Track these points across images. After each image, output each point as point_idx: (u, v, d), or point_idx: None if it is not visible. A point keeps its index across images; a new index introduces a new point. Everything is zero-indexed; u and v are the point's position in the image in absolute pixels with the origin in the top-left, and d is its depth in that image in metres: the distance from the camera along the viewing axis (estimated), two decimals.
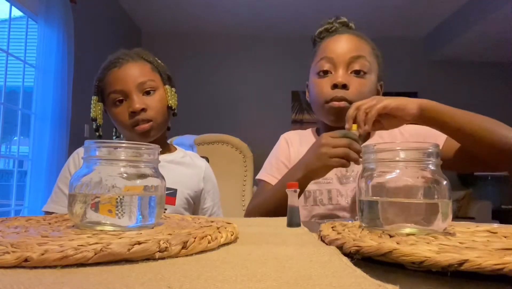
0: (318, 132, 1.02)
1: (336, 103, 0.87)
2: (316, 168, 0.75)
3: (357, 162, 0.73)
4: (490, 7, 3.50)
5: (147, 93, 0.92)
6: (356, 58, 0.88)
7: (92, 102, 0.95)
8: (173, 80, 1.01)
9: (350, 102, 0.84)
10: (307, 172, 0.76)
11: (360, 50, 0.89)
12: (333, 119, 0.90)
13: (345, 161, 0.73)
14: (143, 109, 0.89)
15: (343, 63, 0.88)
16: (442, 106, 0.75)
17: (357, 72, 0.88)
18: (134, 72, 0.92)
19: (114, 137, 1.05)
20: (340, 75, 0.87)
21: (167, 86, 0.97)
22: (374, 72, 0.92)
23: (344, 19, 0.98)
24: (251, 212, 0.89)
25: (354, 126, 0.75)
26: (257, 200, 0.91)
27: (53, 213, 0.86)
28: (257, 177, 1.01)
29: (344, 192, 0.89)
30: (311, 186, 0.87)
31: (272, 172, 0.97)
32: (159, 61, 1.01)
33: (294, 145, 1.00)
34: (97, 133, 0.99)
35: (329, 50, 0.90)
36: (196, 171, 1.01)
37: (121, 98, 0.91)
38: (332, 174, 0.89)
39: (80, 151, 0.97)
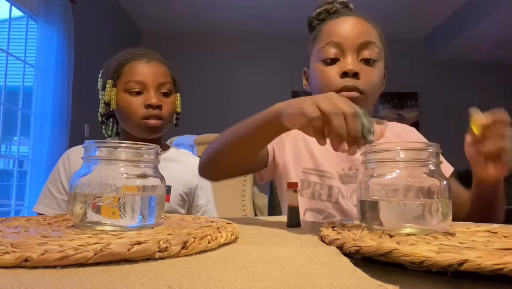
0: None
1: (346, 94, 0.78)
2: (287, 114, 0.54)
3: (350, 152, 0.47)
4: (490, 7, 3.50)
5: (164, 94, 0.96)
6: (366, 45, 0.80)
7: (106, 86, 0.95)
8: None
9: (361, 93, 0.78)
10: (283, 108, 0.56)
11: (369, 35, 0.82)
12: None
13: (321, 132, 0.49)
14: (159, 106, 0.93)
15: (351, 49, 0.80)
16: None
17: (366, 61, 0.81)
18: (158, 71, 0.96)
19: (107, 132, 1.04)
20: (350, 62, 0.79)
21: (178, 94, 1.02)
22: (382, 59, 0.85)
23: None
24: (208, 148, 0.75)
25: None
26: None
27: (42, 214, 0.86)
28: None
29: (345, 192, 0.82)
30: (312, 178, 0.84)
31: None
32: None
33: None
34: (106, 122, 1.01)
35: (335, 34, 0.81)
36: (189, 168, 1.01)
37: (138, 90, 0.93)
38: (334, 171, 0.84)
39: (70, 153, 0.98)
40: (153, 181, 0.44)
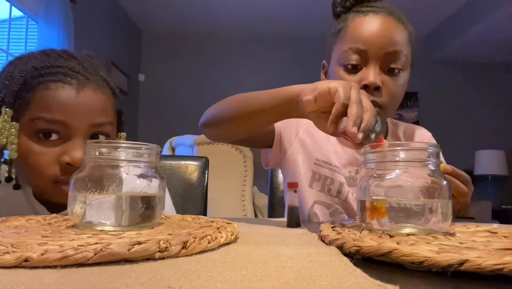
0: None
1: None
2: (320, 90, 0.52)
3: (356, 141, 0.48)
4: (490, 7, 3.50)
5: (96, 137, 0.64)
6: (393, 54, 0.74)
7: (1, 117, 0.58)
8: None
9: (381, 107, 0.75)
10: (302, 88, 0.56)
11: (398, 43, 0.75)
12: None
13: (338, 118, 0.49)
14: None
15: (376, 58, 0.74)
16: None
17: (391, 71, 0.75)
18: (95, 103, 0.62)
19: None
20: (373, 75, 0.73)
21: (122, 134, 0.70)
22: (409, 66, 0.79)
23: None
24: (209, 110, 0.76)
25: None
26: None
27: None
28: None
29: (352, 195, 0.81)
30: (324, 171, 0.82)
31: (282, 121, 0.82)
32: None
33: (304, 122, 0.86)
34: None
35: (361, 40, 0.75)
36: None
37: (54, 130, 0.59)
38: (341, 173, 0.83)
39: None
40: (153, 181, 0.44)
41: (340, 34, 0.80)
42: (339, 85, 0.50)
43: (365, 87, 0.74)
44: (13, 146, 0.58)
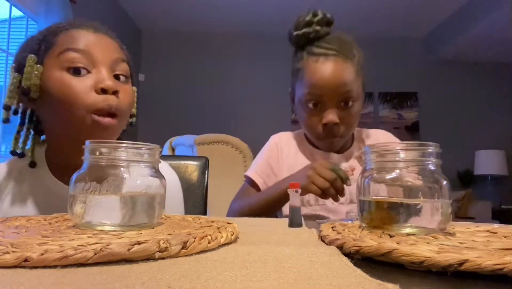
0: (306, 137, 1.03)
1: (328, 140, 0.92)
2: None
3: (334, 199, 0.77)
4: (490, 7, 3.50)
5: (117, 78, 0.67)
6: (345, 94, 0.87)
7: (26, 64, 0.63)
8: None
9: (342, 136, 0.91)
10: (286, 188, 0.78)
11: (347, 83, 0.87)
12: (325, 150, 0.97)
13: (321, 192, 0.77)
14: (116, 93, 0.64)
15: (331, 100, 0.88)
16: None
17: (346, 104, 0.89)
18: (110, 44, 0.68)
19: (15, 146, 0.69)
20: (330, 116, 0.88)
21: (134, 88, 0.73)
22: (360, 92, 0.92)
23: (320, 15, 0.91)
24: (235, 212, 0.93)
25: None
26: (242, 202, 0.95)
27: None
28: (245, 173, 1.04)
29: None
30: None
31: (259, 172, 1.00)
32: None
33: (284, 149, 1.02)
34: (19, 128, 0.69)
35: (316, 86, 0.88)
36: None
37: (82, 65, 0.62)
38: None
39: None
40: (153, 181, 0.44)
41: (299, 76, 0.92)
42: (308, 185, 0.77)
43: (325, 124, 0.89)
44: (35, 85, 0.63)
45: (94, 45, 0.64)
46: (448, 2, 3.82)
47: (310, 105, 0.89)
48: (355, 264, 0.28)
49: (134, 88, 0.73)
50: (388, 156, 0.44)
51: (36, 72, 0.62)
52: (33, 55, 0.63)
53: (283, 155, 1.01)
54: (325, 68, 0.87)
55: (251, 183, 1.00)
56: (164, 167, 0.85)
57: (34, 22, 2.55)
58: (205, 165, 1.10)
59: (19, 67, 0.65)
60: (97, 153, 0.43)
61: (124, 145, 0.43)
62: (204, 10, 4.02)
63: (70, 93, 0.61)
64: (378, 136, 1.04)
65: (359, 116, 0.93)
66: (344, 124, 0.89)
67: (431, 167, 0.43)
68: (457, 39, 4.06)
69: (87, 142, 0.43)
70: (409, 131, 4.49)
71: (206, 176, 1.09)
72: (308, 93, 0.89)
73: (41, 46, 0.64)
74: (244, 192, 1.00)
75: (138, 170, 0.43)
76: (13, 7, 2.46)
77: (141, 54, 4.48)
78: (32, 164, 0.68)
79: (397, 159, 0.43)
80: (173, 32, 4.51)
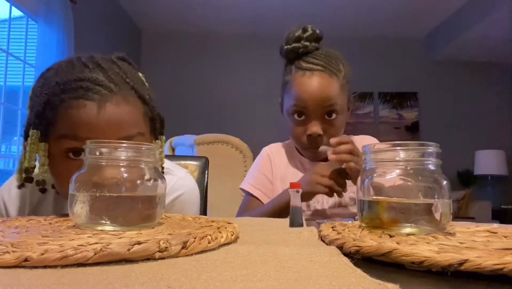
0: (296, 147, 1.06)
1: (312, 150, 0.95)
2: (303, 192, 0.76)
3: (339, 195, 0.83)
4: (490, 7, 3.50)
5: None
6: (329, 108, 0.91)
7: (29, 140, 0.58)
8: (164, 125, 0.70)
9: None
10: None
11: (332, 98, 0.91)
12: (311, 159, 1.01)
13: (329, 190, 0.82)
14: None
15: (315, 113, 0.92)
16: None
17: (329, 116, 0.92)
18: (120, 118, 0.58)
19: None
20: (314, 128, 0.92)
21: (161, 138, 0.68)
22: (345, 105, 0.96)
23: (310, 31, 0.95)
24: None
25: None
26: (247, 215, 0.96)
27: None
28: (241, 186, 1.06)
29: (320, 198, 0.95)
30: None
31: (256, 184, 1.03)
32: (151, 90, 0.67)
33: (275, 160, 1.05)
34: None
35: (302, 99, 0.92)
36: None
37: (81, 150, 0.55)
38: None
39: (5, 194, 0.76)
40: (153, 181, 0.44)
41: (287, 88, 0.96)
42: (314, 187, 0.83)
43: (309, 135, 0.92)
44: (44, 167, 0.58)
45: (96, 129, 0.56)
46: (448, 2, 3.83)
47: (296, 116, 0.94)
48: (355, 264, 0.28)
49: (159, 141, 0.66)
50: (388, 156, 0.44)
51: (41, 151, 0.58)
52: (35, 131, 0.58)
53: (275, 165, 1.05)
54: (310, 82, 0.92)
55: (251, 198, 1.03)
56: (182, 173, 0.83)
57: (34, 22, 2.55)
58: (205, 165, 1.10)
59: (26, 133, 0.59)
60: (97, 153, 0.43)
61: (124, 144, 0.43)
62: (204, 10, 4.02)
63: (67, 177, 0.48)
64: (363, 142, 1.06)
65: (343, 128, 0.98)
66: (327, 136, 0.92)
67: (431, 167, 0.43)
68: (457, 39, 4.06)
69: (88, 142, 0.43)
70: (409, 131, 4.49)
71: (206, 176, 1.09)
72: (294, 105, 0.93)
73: (42, 121, 0.58)
74: (247, 205, 1.02)
75: (138, 170, 0.43)
76: (13, 7, 2.47)
77: (141, 54, 4.48)
78: (43, 190, 0.63)
79: (397, 158, 0.43)
80: (173, 32, 4.51)
